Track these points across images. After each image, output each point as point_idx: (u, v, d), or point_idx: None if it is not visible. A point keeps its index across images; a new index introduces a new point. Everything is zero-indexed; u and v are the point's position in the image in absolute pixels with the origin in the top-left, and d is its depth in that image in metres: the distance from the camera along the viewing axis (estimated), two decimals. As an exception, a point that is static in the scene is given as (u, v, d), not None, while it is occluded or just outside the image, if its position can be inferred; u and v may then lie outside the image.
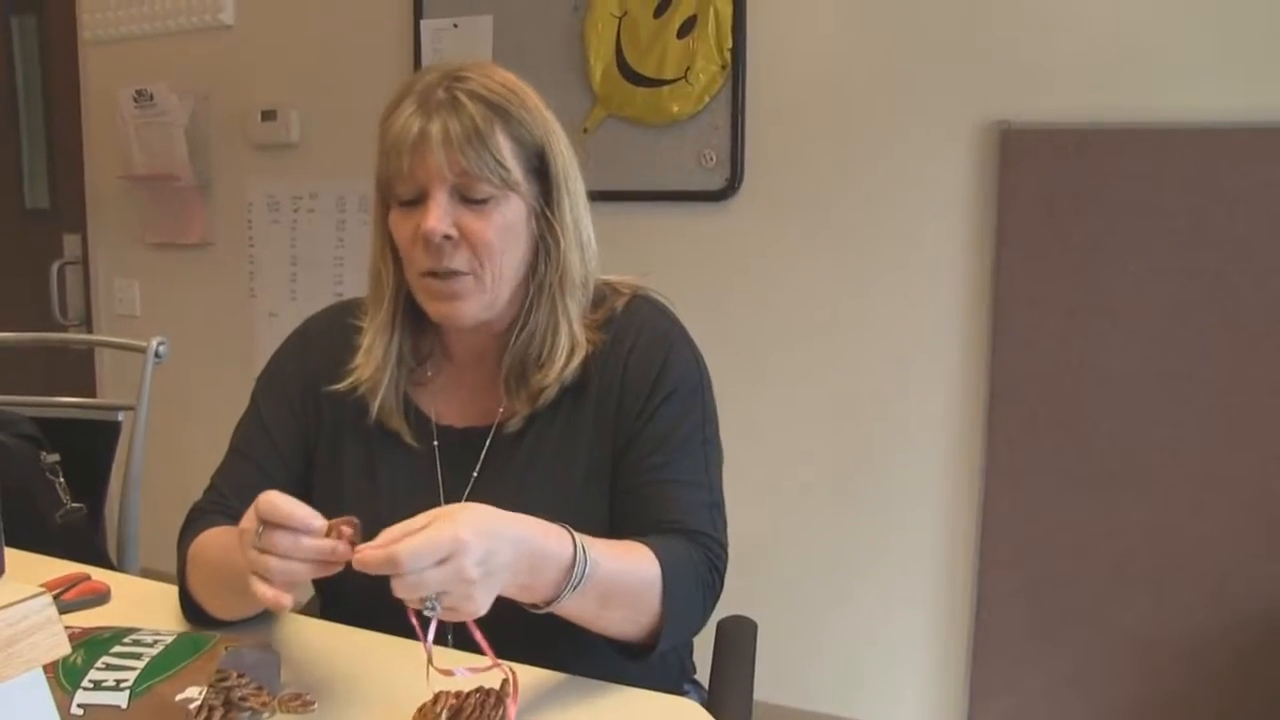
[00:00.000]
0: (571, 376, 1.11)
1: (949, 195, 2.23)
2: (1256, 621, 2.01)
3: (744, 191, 2.42)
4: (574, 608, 0.93)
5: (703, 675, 1.31)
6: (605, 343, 1.13)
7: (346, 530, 0.85)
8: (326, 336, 1.21)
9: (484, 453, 1.14)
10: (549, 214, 1.10)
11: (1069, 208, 2.09)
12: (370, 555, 0.81)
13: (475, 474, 1.13)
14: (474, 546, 0.81)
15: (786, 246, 2.40)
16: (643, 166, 2.49)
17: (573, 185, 1.12)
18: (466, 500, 1.10)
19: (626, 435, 1.11)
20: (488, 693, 0.87)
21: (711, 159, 2.43)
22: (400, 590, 0.79)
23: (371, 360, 1.14)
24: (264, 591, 0.83)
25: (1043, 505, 2.17)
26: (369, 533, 0.90)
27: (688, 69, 2.41)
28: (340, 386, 1.14)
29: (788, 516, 2.43)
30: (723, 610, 1.37)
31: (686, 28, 2.40)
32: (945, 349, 2.27)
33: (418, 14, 2.74)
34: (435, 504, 1.09)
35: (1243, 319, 1.99)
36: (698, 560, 1.05)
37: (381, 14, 2.82)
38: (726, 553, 1.10)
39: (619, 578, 0.96)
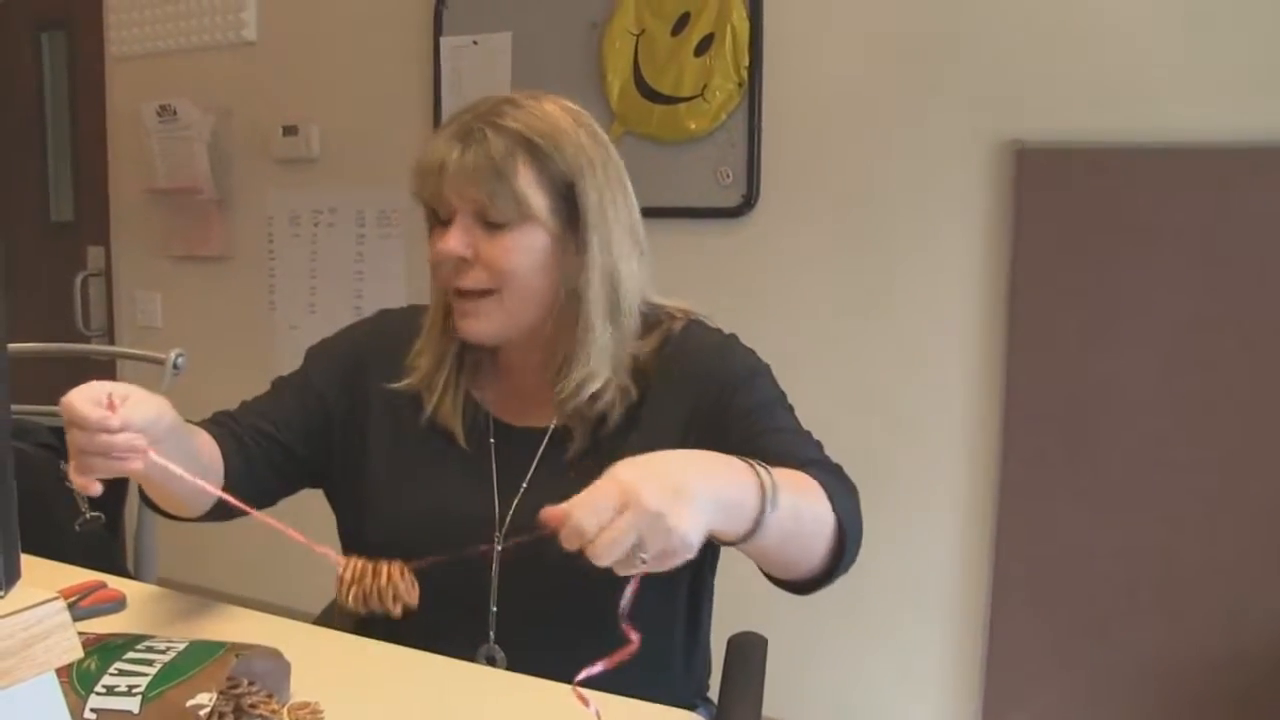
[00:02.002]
0: (632, 395, 1.13)
1: (964, 214, 2.23)
2: (1271, 644, 1.99)
3: (760, 208, 2.43)
4: (777, 523, 0.88)
5: (714, 693, 1.31)
6: (664, 362, 1.16)
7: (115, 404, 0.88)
8: (399, 329, 1.24)
9: (540, 452, 1.16)
10: (575, 245, 1.11)
11: (1084, 227, 2.09)
12: (552, 513, 0.79)
13: (530, 473, 1.15)
14: (640, 482, 0.78)
15: (802, 263, 2.40)
16: (660, 183, 2.50)
17: (610, 215, 1.12)
18: (521, 499, 1.14)
19: (707, 426, 1.11)
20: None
21: (728, 176, 2.44)
22: (602, 552, 0.77)
23: (425, 363, 1.18)
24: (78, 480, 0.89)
25: (1056, 523, 2.16)
26: (429, 525, 1.04)
27: (705, 86, 2.42)
28: (399, 385, 1.18)
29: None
30: (733, 625, 1.37)
31: (704, 46, 2.42)
32: (960, 366, 2.26)
33: (437, 31, 2.77)
34: (489, 500, 1.13)
35: (1259, 339, 1.98)
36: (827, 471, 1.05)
37: (402, 31, 2.85)
38: None
39: (795, 480, 0.93)
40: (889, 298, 2.32)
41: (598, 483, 0.79)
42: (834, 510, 0.95)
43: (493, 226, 1.08)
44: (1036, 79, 2.14)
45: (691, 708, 1.21)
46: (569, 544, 0.78)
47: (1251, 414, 1.99)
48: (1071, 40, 2.11)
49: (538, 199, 1.08)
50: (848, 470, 1.10)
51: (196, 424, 1.14)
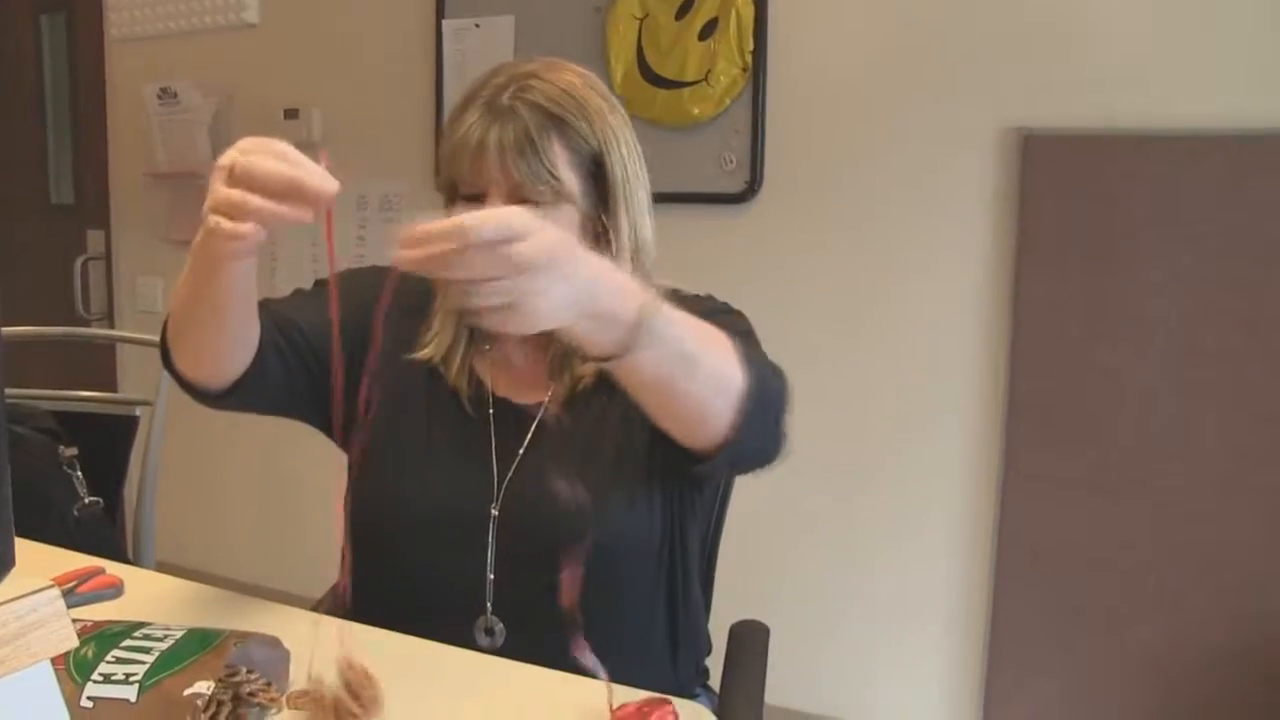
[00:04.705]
0: None
1: (969, 200, 2.22)
2: (1276, 637, 1.99)
3: (764, 194, 2.42)
4: (656, 359, 0.87)
5: (716, 681, 1.31)
6: None
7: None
8: (417, 288, 1.19)
9: (534, 427, 1.17)
10: (604, 219, 1.12)
11: (1090, 214, 2.08)
12: (434, 224, 0.77)
13: (522, 449, 1.16)
14: (536, 235, 0.77)
15: (805, 250, 2.39)
16: (662, 168, 2.44)
17: (632, 188, 1.14)
18: (514, 475, 1.14)
19: None
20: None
21: (731, 161, 2.43)
22: (461, 267, 0.76)
23: (443, 341, 1.19)
24: (225, 225, 0.82)
25: (1060, 514, 2.15)
26: (424, 496, 1.05)
27: (708, 71, 2.40)
28: (418, 356, 1.18)
29: (803, 522, 2.42)
30: (735, 614, 1.37)
31: (708, 30, 2.40)
32: (964, 355, 2.25)
33: (439, 14, 2.75)
34: (488, 470, 1.14)
35: (1265, 328, 1.97)
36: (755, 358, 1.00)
37: (403, 14, 2.83)
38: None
39: (696, 326, 0.91)
40: (893, 285, 2.31)
41: (506, 209, 0.78)
42: (744, 372, 0.93)
43: (528, 207, 1.07)
44: (1042, 66, 2.13)
45: (692, 696, 1.21)
46: (443, 237, 0.76)
47: (1258, 405, 1.98)
48: (1078, 27, 2.09)
49: (570, 178, 1.09)
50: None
51: None
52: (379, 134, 2.90)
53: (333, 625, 0.83)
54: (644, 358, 0.86)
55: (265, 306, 1.11)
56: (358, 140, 2.95)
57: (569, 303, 0.80)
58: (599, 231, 1.12)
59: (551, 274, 0.77)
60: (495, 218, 0.76)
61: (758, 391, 0.94)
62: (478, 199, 1.09)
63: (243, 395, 1.08)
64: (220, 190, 0.84)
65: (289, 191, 0.82)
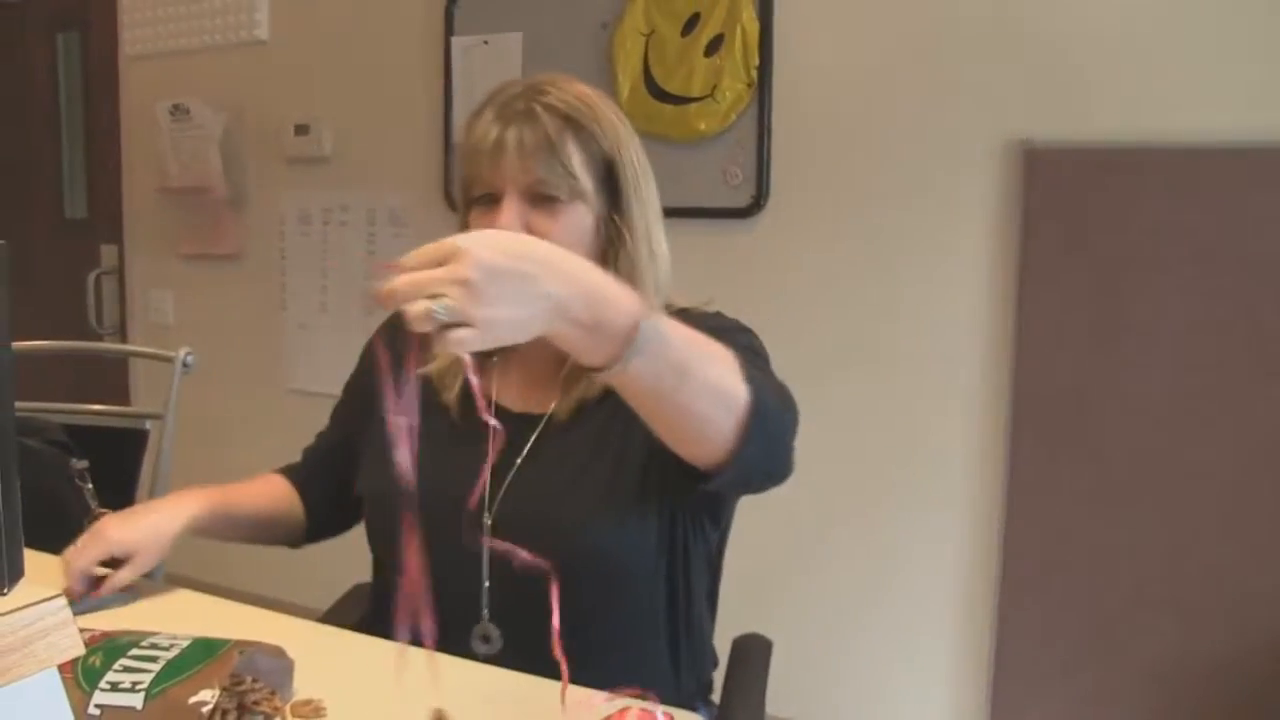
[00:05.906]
0: None
1: (972, 213, 2.23)
2: (1282, 648, 1.99)
3: (769, 209, 2.43)
4: (649, 370, 0.84)
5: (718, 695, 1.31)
6: None
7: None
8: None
9: (534, 438, 1.17)
10: (618, 220, 1.15)
11: (1092, 226, 2.08)
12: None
13: (520, 459, 1.16)
14: (474, 252, 0.74)
15: (811, 264, 2.40)
16: (668, 184, 2.45)
17: (644, 194, 1.18)
18: (510, 484, 1.15)
19: None
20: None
21: (737, 176, 2.44)
22: (399, 292, 0.74)
23: (444, 358, 1.23)
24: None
25: (1064, 526, 2.15)
26: (420, 496, 1.03)
27: (714, 87, 2.42)
28: (422, 370, 1.21)
29: (807, 536, 2.42)
30: (738, 628, 1.37)
31: (714, 46, 2.42)
32: (967, 368, 2.26)
33: (448, 31, 2.78)
34: (480, 479, 1.14)
35: (1268, 340, 1.97)
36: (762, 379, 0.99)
37: (413, 31, 2.86)
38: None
39: (694, 339, 0.89)
40: (897, 298, 2.32)
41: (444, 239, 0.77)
42: (748, 387, 0.91)
43: (544, 204, 1.11)
44: (1045, 79, 2.14)
45: (692, 709, 1.21)
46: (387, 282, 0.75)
47: (1260, 414, 1.98)
48: (1080, 40, 2.10)
49: (585, 178, 1.12)
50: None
51: (282, 468, 1.40)
52: (389, 149, 2.93)
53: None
54: (639, 368, 0.83)
55: (305, 465, 1.40)
56: (368, 155, 2.97)
57: (535, 314, 0.78)
58: (614, 232, 1.15)
59: (499, 287, 0.75)
60: (434, 245, 0.76)
61: (761, 408, 0.92)
62: (493, 199, 1.12)
63: (327, 535, 1.39)
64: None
65: None
